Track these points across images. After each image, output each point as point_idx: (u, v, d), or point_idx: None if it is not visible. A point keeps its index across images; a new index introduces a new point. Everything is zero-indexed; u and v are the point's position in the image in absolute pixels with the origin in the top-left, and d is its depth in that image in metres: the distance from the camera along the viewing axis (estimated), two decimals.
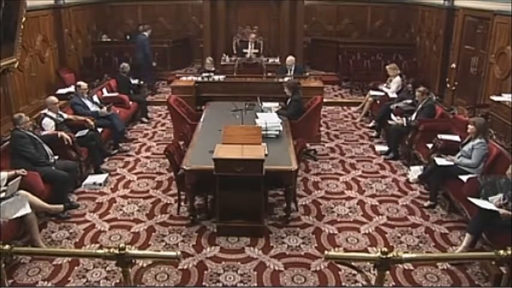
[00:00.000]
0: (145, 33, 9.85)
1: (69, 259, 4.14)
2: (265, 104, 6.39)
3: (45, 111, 5.96)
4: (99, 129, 6.50)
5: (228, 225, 4.62)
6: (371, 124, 8.04)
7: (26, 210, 4.15)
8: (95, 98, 7.18)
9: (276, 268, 4.14)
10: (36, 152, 5.02)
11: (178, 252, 2.72)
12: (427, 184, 5.58)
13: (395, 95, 7.81)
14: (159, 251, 4.29)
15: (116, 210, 5.17)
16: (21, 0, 6.31)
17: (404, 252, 2.99)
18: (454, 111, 6.73)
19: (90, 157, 6.04)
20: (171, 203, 5.33)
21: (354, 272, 3.76)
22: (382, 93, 8.14)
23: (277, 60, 9.89)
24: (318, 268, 4.13)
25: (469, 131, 5.11)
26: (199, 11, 11.44)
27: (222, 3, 11.06)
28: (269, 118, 5.64)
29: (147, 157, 6.72)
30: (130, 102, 8.04)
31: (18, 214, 4.10)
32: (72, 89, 7.44)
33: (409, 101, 7.17)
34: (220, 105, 6.65)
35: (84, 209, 5.19)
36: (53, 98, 6.09)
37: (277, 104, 6.61)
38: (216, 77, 7.87)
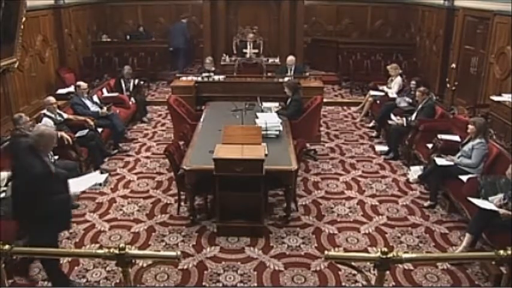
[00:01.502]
0: (184, 21, 11.06)
1: (69, 259, 4.14)
2: (265, 104, 6.38)
3: (44, 111, 5.97)
4: (99, 129, 6.50)
5: (228, 225, 4.62)
6: (371, 124, 8.05)
7: (97, 179, 4.25)
8: (95, 98, 7.18)
9: (276, 268, 4.14)
10: None
11: (178, 252, 2.72)
12: (427, 184, 5.58)
13: (395, 95, 7.81)
14: (159, 251, 4.29)
15: (116, 210, 5.17)
16: (21, 0, 6.31)
17: (405, 252, 2.99)
18: (454, 111, 6.72)
19: (90, 157, 6.04)
20: (171, 203, 5.33)
21: (354, 272, 3.76)
22: (382, 93, 8.14)
23: (277, 60, 9.87)
24: (318, 268, 4.13)
25: (469, 131, 5.11)
26: (200, 11, 11.43)
27: (222, 3, 11.06)
28: (269, 118, 5.64)
29: (147, 157, 6.72)
30: (130, 102, 8.06)
31: (90, 185, 4.19)
32: (72, 89, 7.44)
33: (410, 100, 7.18)
34: (220, 105, 6.65)
35: (84, 209, 5.19)
36: (50, 98, 6.09)
37: (277, 104, 6.61)
38: (216, 77, 7.87)
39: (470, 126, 5.09)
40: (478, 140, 5.02)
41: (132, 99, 8.25)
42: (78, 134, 5.91)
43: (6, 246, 2.60)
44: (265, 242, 4.52)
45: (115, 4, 12.21)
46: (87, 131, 6.10)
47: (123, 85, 8.31)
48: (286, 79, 7.48)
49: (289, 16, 11.00)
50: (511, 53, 6.80)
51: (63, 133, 5.58)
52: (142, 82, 9.21)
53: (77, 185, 3.84)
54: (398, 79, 8.15)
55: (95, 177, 4.33)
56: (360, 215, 5.10)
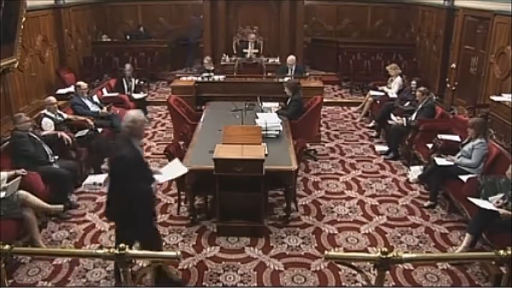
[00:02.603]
0: (202, 16, 11.31)
1: (69, 259, 4.14)
2: (265, 104, 6.38)
3: (45, 111, 5.97)
4: (99, 129, 6.50)
5: (228, 225, 4.62)
6: (371, 124, 8.04)
7: (183, 170, 4.30)
8: (95, 98, 7.18)
9: (276, 268, 4.14)
10: (36, 151, 5.02)
11: (178, 252, 2.73)
12: (427, 184, 5.59)
13: (395, 95, 7.81)
14: None
15: None
16: (21, 0, 6.31)
17: (405, 252, 2.99)
18: (454, 111, 6.72)
19: (90, 157, 6.04)
20: (171, 203, 5.33)
21: (354, 272, 3.75)
22: (382, 93, 8.15)
23: (277, 60, 9.87)
24: (318, 268, 4.13)
25: (468, 134, 5.12)
26: (200, 11, 11.44)
27: (222, 3, 11.05)
28: (269, 118, 5.64)
29: (147, 157, 6.70)
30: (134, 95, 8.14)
31: (176, 175, 4.28)
32: (72, 89, 7.44)
33: (408, 103, 7.16)
34: (220, 105, 6.65)
35: (84, 209, 5.19)
36: (51, 98, 6.09)
37: (277, 104, 6.61)
38: (216, 77, 7.88)
39: (469, 130, 5.10)
40: (478, 140, 5.02)
41: (137, 95, 8.31)
42: (78, 134, 5.92)
43: (6, 246, 2.61)
44: (265, 242, 4.52)
45: (115, 4, 12.21)
46: (87, 131, 6.10)
47: (125, 84, 8.32)
48: (286, 79, 7.48)
49: (289, 16, 10.99)
50: (511, 53, 6.80)
51: (63, 133, 5.59)
52: (142, 82, 9.21)
53: (164, 174, 3.98)
54: (398, 79, 8.16)
55: (177, 167, 4.38)
56: (360, 215, 5.10)
